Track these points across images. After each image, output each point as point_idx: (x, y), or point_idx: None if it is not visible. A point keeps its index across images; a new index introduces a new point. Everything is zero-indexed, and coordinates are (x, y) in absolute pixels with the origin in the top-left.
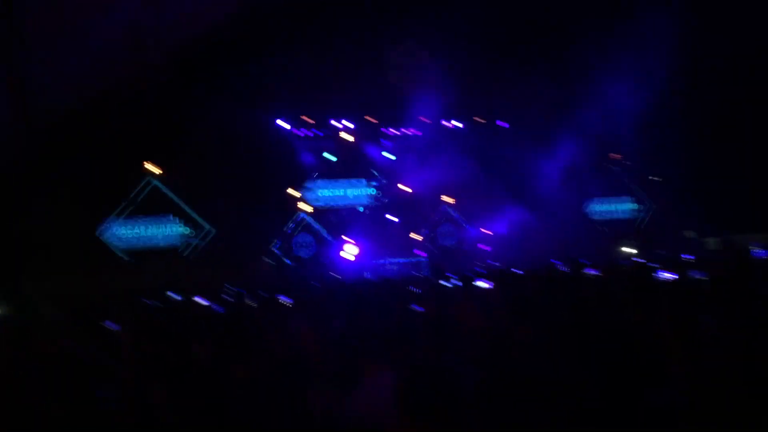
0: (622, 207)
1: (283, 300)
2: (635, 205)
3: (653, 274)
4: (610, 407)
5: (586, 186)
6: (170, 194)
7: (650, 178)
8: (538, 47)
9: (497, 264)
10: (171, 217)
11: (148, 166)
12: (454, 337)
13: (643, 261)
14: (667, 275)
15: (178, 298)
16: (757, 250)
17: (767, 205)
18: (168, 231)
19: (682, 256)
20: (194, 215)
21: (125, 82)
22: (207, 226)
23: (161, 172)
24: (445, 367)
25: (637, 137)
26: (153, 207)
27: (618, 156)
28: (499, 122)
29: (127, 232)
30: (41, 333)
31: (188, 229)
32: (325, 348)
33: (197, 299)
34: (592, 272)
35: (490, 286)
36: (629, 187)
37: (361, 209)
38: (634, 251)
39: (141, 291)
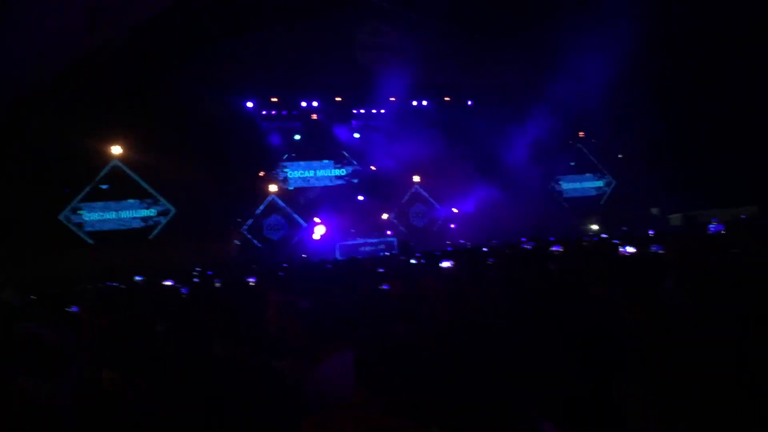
0: (587, 184)
1: (251, 281)
2: (600, 182)
3: (617, 249)
4: (566, 376)
5: (553, 164)
6: (136, 176)
7: (616, 155)
8: (505, 25)
9: (466, 242)
10: (137, 201)
11: (113, 147)
12: (419, 313)
13: (606, 236)
14: (629, 249)
15: (141, 279)
16: (714, 225)
17: (729, 182)
18: (135, 214)
19: (648, 232)
20: (159, 197)
21: (87, 61)
22: (172, 208)
23: (126, 154)
24: (403, 341)
25: (603, 115)
26: (119, 189)
27: (583, 134)
28: (467, 101)
29: (91, 216)
30: (3, 316)
31: (153, 210)
32: (290, 327)
33: (165, 282)
34: (557, 248)
35: (451, 265)
36: (594, 165)
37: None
38: (598, 227)
39: (106, 274)
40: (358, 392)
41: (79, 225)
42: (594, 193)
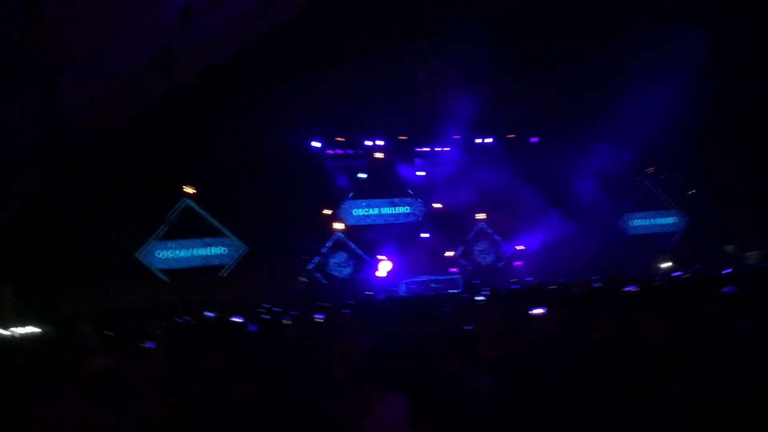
0: (658, 221)
1: (318, 318)
2: (671, 218)
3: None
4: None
5: (622, 200)
6: (205, 214)
7: (687, 191)
8: (570, 61)
9: (532, 279)
10: (207, 238)
11: (185, 187)
12: (480, 353)
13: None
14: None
15: (213, 315)
16: None
17: None
18: (204, 251)
19: (722, 270)
20: (230, 234)
21: (157, 103)
22: (242, 246)
23: (196, 192)
24: (462, 382)
25: (674, 150)
26: (189, 227)
27: (653, 169)
28: (531, 138)
29: (165, 253)
30: (78, 350)
31: (224, 249)
32: (350, 366)
33: (233, 318)
34: (631, 288)
35: (544, 312)
36: (665, 201)
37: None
38: (671, 265)
39: (178, 309)
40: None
41: (154, 263)
42: (665, 230)
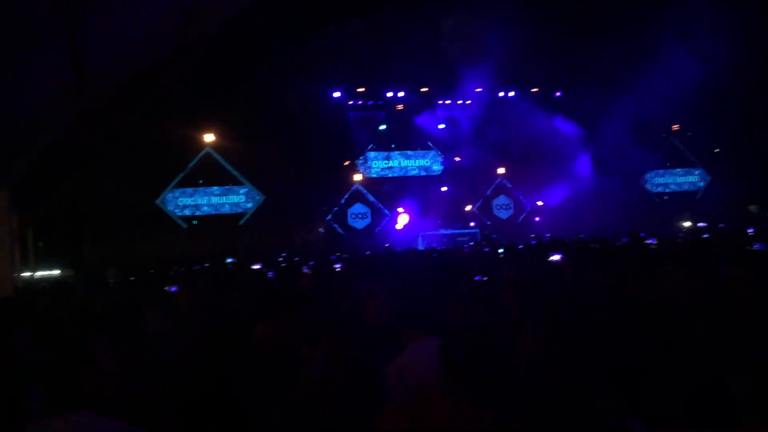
0: (681, 179)
1: (337, 267)
2: (695, 177)
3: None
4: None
5: (645, 157)
6: (225, 164)
7: (712, 149)
8: (594, 16)
9: (550, 235)
10: (228, 187)
11: (205, 135)
12: (499, 303)
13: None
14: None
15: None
16: None
17: None
18: (225, 200)
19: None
20: (249, 184)
21: (180, 53)
22: (261, 196)
23: (216, 141)
24: (485, 328)
25: (699, 107)
26: (209, 176)
27: (677, 127)
28: (554, 93)
29: (185, 201)
30: (101, 296)
31: (244, 198)
32: (375, 314)
33: (254, 266)
34: (651, 241)
35: (560, 258)
36: (689, 159)
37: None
38: (693, 224)
39: (198, 257)
40: (443, 380)
41: (174, 210)
42: (688, 188)
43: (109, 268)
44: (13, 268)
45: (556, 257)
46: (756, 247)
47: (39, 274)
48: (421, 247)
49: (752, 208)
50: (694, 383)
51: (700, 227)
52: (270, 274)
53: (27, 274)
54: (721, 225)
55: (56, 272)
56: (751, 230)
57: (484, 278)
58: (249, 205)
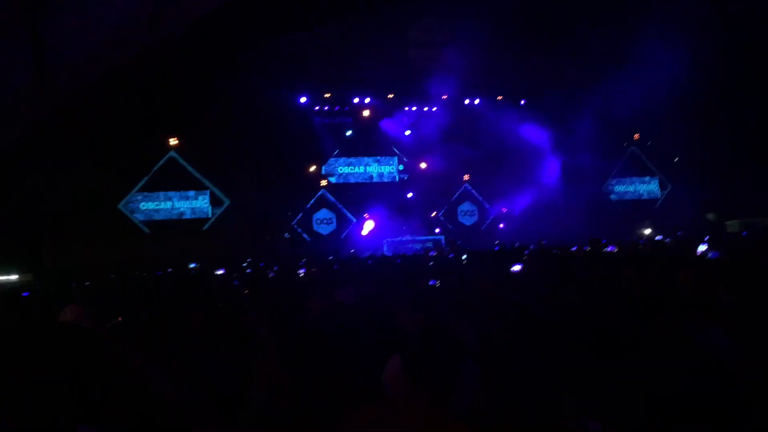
0: (641, 187)
1: (301, 273)
2: (654, 185)
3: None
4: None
5: (606, 166)
6: (190, 168)
7: (672, 159)
8: (558, 25)
9: (515, 243)
10: (191, 192)
11: (169, 139)
12: (464, 307)
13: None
14: (703, 248)
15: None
16: None
17: None
18: (188, 204)
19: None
20: (214, 189)
21: (144, 55)
22: (226, 200)
23: (181, 145)
24: (452, 329)
25: (659, 116)
26: (173, 180)
27: (638, 136)
28: (520, 101)
29: (148, 205)
30: (60, 302)
31: (208, 202)
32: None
33: (217, 272)
34: (611, 249)
35: (520, 269)
36: (649, 168)
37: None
38: (652, 232)
39: (160, 262)
40: (405, 386)
41: (136, 215)
42: (648, 196)
43: (68, 275)
44: None
45: (516, 267)
46: (710, 255)
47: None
48: (387, 253)
49: (710, 216)
50: (649, 385)
51: (658, 239)
52: (235, 282)
53: None
54: (679, 233)
55: (14, 277)
56: (706, 238)
57: (437, 282)
58: (213, 209)
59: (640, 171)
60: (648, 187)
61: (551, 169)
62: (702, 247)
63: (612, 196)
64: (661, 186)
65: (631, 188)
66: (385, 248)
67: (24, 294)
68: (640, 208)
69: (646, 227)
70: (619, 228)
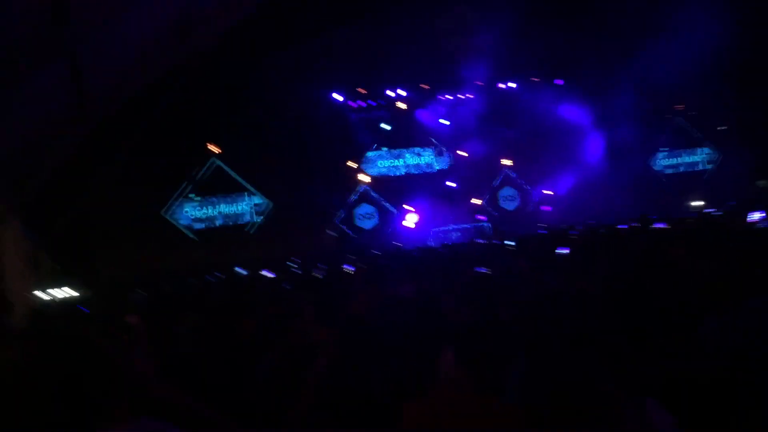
0: (688, 159)
1: (347, 269)
2: (702, 156)
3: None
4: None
5: (651, 139)
6: (232, 173)
7: (718, 127)
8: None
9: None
10: (235, 195)
11: (210, 146)
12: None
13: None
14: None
15: (245, 272)
16: None
17: None
18: (232, 208)
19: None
20: (256, 192)
21: (179, 65)
22: (269, 203)
23: (221, 151)
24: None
25: (703, 85)
26: (216, 185)
27: (682, 106)
28: (555, 80)
29: (192, 212)
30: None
31: (251, 206)
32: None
33: (264, 272)
34: (661, 225)
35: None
36: (695, 138)
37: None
38: (703, 203)
39: (208, 268)
40: (459, 375)
41: (182, 222)
42: (696, 168)
43: (125, 286)
44: (32, 292)
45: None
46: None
47: (57, 295)
48: (432, 243)
49: (761, 182)
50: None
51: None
52: (284, 284)
53: (44, 296)
54: (732, 203)
55: (73, 293)
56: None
57: (488, 271)
58: (256, 212)
59: (687, 142)
60: (696, 158)
61: (594, 147)
62: (755, 215)
63: (659, 170)
64: (710, 156)
65: (678, 160)
66: (430, 239)
67: (82, 308)
68: (689, 181)
69: (696, 199)
70: (667, 203)
